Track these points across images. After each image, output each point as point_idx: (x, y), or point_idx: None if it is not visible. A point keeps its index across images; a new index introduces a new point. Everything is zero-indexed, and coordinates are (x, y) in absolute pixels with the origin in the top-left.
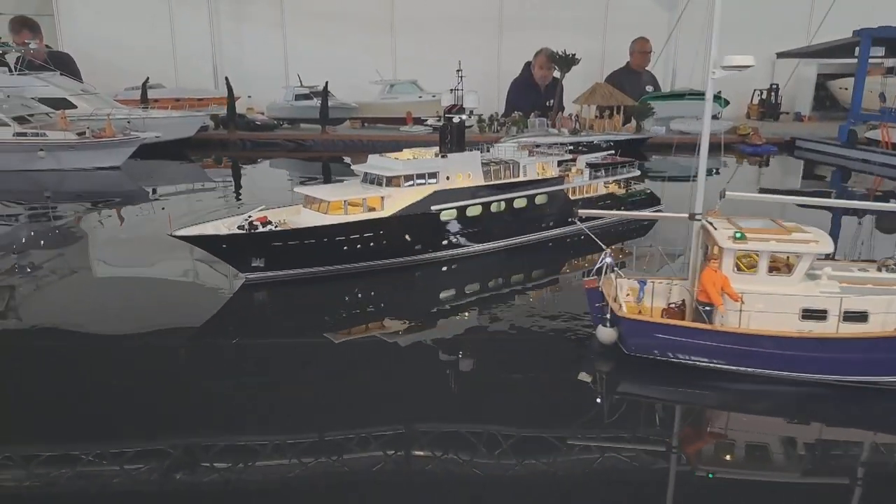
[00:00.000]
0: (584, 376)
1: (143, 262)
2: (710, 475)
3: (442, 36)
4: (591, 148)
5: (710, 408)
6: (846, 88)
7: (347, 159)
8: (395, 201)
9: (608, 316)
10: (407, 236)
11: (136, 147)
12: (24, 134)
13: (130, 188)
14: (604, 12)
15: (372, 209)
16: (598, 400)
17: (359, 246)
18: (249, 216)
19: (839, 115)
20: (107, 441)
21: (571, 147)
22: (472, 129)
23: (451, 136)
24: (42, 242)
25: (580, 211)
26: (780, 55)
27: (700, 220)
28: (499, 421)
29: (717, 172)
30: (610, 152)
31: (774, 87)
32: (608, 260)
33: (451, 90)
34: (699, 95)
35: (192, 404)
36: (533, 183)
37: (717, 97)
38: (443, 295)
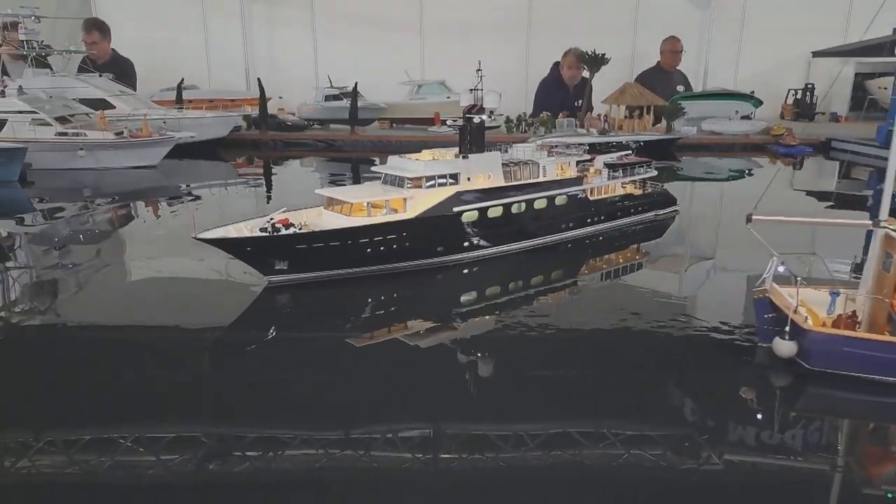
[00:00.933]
0: (745, 391)
1: (175, 259)
2: (890, 495)
3: (470, 37)
4: (620, 148)
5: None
6: (885, 88)
7: (376, 159)
8: (418, 203)
9: (787, 328)
10: (439, 248)
11: (171, 147)
12: (65, 134)
13: (165, 187)
14: (634, 11)
15: (394, 211)
16: (759, 415)
17: (382, 248)
18: (271, 218)
19: (877, 115)
20: (143, 429)
21: (587, 147)
22: (500, 130)
23: (471, 137)
24: (81, 239)
25: (754, 217)
26: (816, 54)
27: (884, 227)
28: (627, 425)
29: (751, 173)
30: (627, 152)
31: (810, 86)
32: (780, 268)
33: (471, 90)
34: (730, 96)
35: (223, 399)
36: (553, 183)
37: (749, 97)
38: (466, 297)
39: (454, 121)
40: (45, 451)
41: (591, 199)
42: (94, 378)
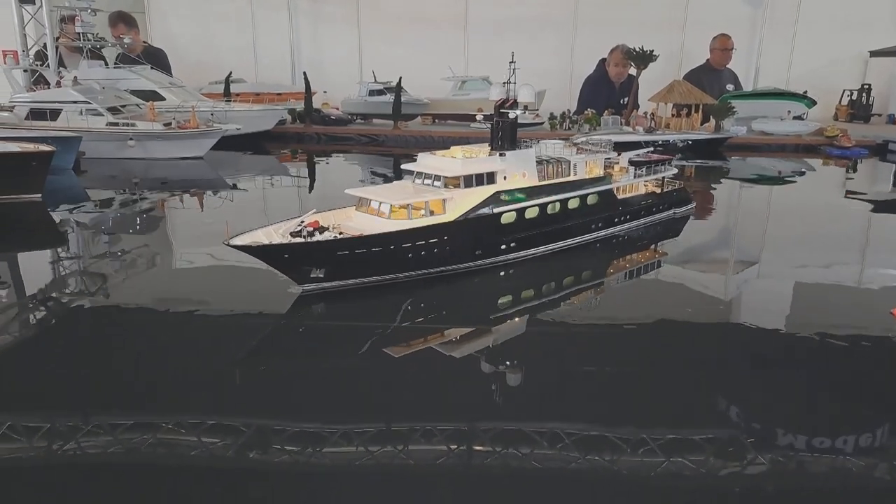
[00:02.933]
0: None
1: (218, 250)
2: None
3: (515, 33)
4: (668, 147)
5: None
6: None
7: (417, 156)
8: (458, 204)
9: None
10: (477, 251)
11: (218, 138)
12: (116, 124)
13: (212, 178)
14: (683, 8)
15: (432, 213)
16: None
17: (423, 252)
18: (302, 221)
19: None
20: (185, 414)
21: (613, 144)
22: (544, 127)
23: (504, 134)
24: (130, 228)
25: None
26: (874, 53)
27: None
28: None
29: (803, 173)
30: (648, 150)
31: (866, 87)
32: None
33: (504, 83)
34: (782, 95)
35: (262, 398)
36: (585, 182)
37: (802, 97)
38: (504, 299)
39: (484, 116)
40: (92, 432)
41: (618, 197)
42: (135, 362)
